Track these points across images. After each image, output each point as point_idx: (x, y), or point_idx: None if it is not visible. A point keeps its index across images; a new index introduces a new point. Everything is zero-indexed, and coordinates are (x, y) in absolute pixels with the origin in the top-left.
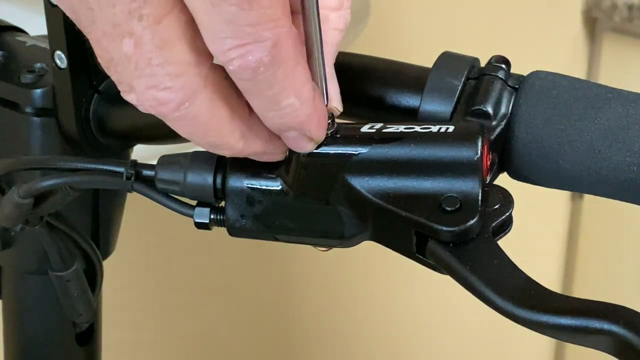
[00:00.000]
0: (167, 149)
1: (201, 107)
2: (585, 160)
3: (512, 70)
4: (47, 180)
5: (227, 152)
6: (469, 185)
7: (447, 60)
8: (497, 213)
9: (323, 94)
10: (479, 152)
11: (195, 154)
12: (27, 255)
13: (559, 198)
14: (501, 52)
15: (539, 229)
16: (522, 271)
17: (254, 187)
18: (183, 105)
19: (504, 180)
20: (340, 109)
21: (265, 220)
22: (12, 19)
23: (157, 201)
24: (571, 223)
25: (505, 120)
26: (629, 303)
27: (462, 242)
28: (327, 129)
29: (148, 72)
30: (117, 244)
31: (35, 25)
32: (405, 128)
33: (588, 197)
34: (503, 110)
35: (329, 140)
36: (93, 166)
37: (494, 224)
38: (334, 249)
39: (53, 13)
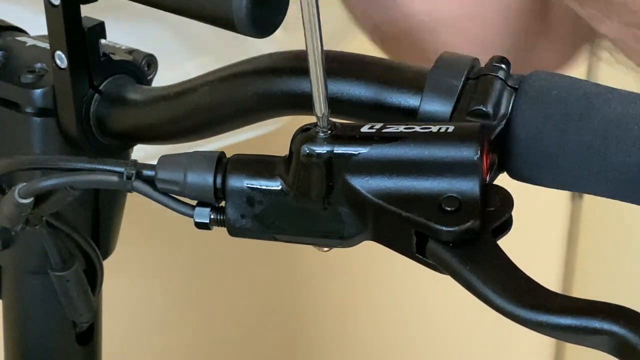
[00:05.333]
0: (167, 149)
1: None
2: (585, 160)
3: (512, 71)
4: (47, 180)
5: None
6: (469, 185)
7: (447, 60)
8: (497, 213)
9: (324, 103)
10: (479, 152)
11: (195, 154)
12: (27, 255)
13: (559, 198)
14: None
15: (539, 229)
16: (522, 271)
17: (254, 187)
18: None
19: (504, 180)
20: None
21: (265, 220)
22: (12, 19)
23: (157, 201)
24: (571, 223)
25: (505, 121)
26: (629, 303)
27: (462, 242)
28: (327, 129)
29: None
30: (117, 244)
31: (35, 25)
32: (405, 128)
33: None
34: (503, 110)
35: (329, 140)
36: (93, 166)
37: (494, 224)
38: (337, 249)
39: (53, 13)
